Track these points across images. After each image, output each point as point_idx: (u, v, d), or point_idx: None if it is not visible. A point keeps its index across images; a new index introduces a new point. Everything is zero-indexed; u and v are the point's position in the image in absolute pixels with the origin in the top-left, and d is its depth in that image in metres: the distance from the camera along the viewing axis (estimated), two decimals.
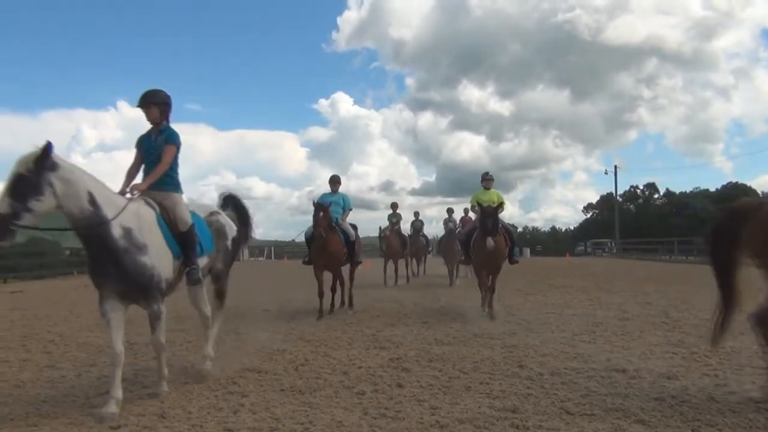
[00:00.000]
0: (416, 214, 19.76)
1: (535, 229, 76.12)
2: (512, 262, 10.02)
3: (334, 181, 10.53)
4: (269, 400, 4.66)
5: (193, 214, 5.18)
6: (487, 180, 10.32)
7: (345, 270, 10.39)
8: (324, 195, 10.43)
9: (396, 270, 16.74)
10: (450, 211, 19.03)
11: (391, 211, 17.68)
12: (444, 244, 17.41)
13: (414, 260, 19.26)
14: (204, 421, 4.17)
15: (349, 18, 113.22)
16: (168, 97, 5.24)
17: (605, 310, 9.86)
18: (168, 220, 4.85)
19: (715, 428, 3.87)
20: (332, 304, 10.03)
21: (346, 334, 7.80)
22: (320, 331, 8.06)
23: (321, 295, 9.59)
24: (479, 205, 9.27)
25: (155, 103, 5.11)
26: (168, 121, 5.24)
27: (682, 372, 5.36)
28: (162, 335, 4.77)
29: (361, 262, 10.70)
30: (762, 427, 3.83)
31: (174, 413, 4.35)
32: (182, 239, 4.84)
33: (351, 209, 10.50)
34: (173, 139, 5.10)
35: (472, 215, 14.72)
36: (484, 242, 8.73)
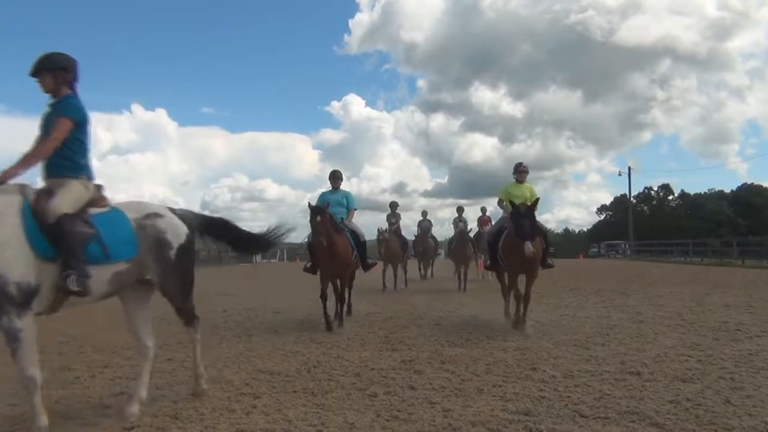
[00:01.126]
0: (424, 213, 18.51)
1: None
2: (546, 266, 8.58)
3: (336, 176, 9.47)
4: (282, 402, 4.67)
5: (114, 210, 4.32)
6: (520, 172, 8.95)
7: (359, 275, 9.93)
8: (324, 193, 9.42)
9: (396, 275, 15.52)
10: (460, 209, 17.71)
11: (389, 211, 16.47)
12: (454, 246, 16.02)
13: (422, 264, 18.25)
14: (217, 422, 4.18)
15: (361, 21, 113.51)
16: (68, 61, 4.26)
17: (619, 312, 9.79)
18: (36, 211, 3.85)
19: None
20: (339, 315, 8.78)
21: (359, 336, 7.79)
22: (332, 333, 8.06)
23: (325, 297, 8.53)
24: (512, 203, 7.85)
25: (48, 69, 4.17)
26: (73, 92, 4.29)
27: (697, 375, 5.30)
28: (28, 363, 3.66)
29: (374, 264, 9.77)
30: None
31: (187, 414, 4.36)
32: (51, 234, 3.80)
33: (355, 209, 9.47)
34: (66, 111, 4.12)
35: (491, 211, 14.12)
36: (519, 247, 7.44)
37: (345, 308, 9.23)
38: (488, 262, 9.18)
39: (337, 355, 6.49)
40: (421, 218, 18.37)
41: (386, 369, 5.77)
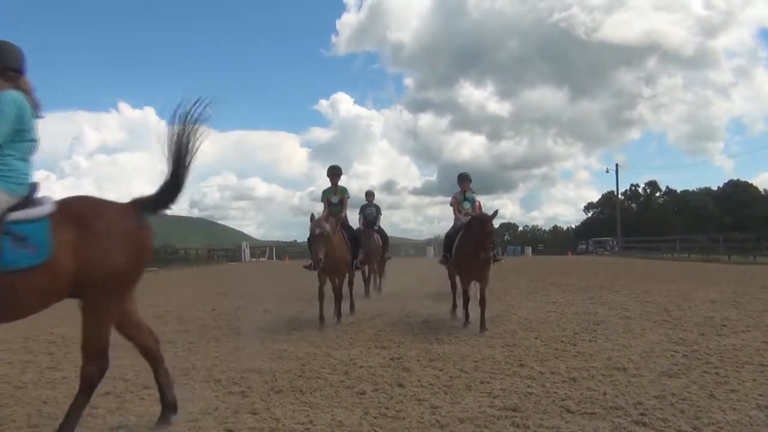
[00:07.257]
0: (369, 194, 12.83)
1: (537, 228, 76.27)
2: None
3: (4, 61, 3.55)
4: (270, 401, 4.66)
5: None
6: None
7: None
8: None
9: (335, 289, 8.84)
10: (465, 178, 9.45)
11: (327, 185, 9.56)
12: (460, 239, 8.32)
13: (364, 270, 12.02)
14: (205, 421, 4.16)
15: (348, 21, 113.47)
16: None
17: (606, 309, 9.85)
18: None
19: (716, 426, 3.86)
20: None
21: (348, 334, 7.80)
22: (321, 331, 8.06)
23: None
24: None
25: None
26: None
27: (683, 370, 5.35)
28: None
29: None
30: (763, 425, 3.82)
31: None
32: None
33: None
34: None
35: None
36: None
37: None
38: None
39: (325, 354, 6.49)
40: (365, 202, 12.78)
41: (375, 366, 5.78)
